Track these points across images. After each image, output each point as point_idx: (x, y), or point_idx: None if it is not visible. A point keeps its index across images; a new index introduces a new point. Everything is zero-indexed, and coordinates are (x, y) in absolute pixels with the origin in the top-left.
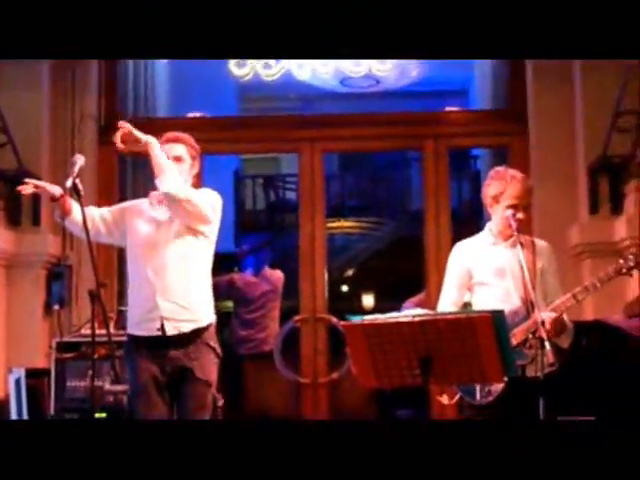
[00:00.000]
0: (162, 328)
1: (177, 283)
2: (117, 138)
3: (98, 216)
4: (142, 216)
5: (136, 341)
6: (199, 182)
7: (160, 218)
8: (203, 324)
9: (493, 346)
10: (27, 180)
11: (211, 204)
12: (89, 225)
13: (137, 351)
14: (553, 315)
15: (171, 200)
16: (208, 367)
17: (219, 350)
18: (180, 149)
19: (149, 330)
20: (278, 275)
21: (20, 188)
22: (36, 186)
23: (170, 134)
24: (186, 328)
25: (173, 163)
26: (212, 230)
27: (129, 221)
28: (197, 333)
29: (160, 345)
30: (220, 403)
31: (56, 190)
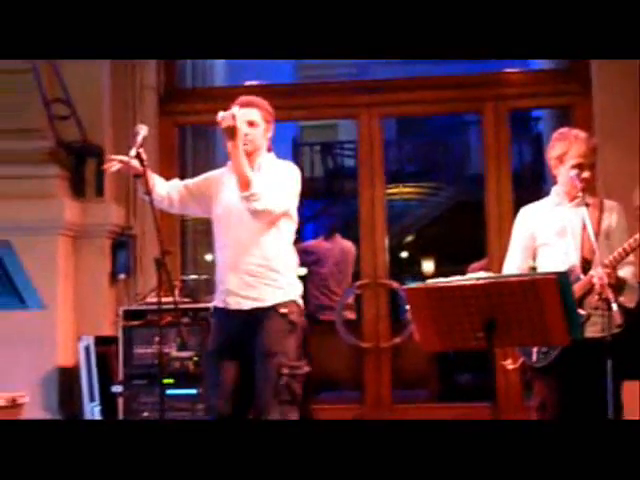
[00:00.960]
0: (225, 301)
1: (248, 258)
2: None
3: (184, 187)
4: (224, 186)
5: (217, 310)
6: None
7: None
8: (266, 304)
9: (557, 308)
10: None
11: (293, 191)
12: (175, 197)
13: (219, 317)
14: (605, 271)
15: (254, 214)
16: (273, 337)
17: (293, 317)
18: (254, 113)
19: (219, 302)
20: (350, 244)
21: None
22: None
23: (243, 98)
24: (247, 306)
25: (247, 128)
26: (293, 207)
27: (214, 191)
28: (263, 309)
29: (228, 316)
30: (301, 372)
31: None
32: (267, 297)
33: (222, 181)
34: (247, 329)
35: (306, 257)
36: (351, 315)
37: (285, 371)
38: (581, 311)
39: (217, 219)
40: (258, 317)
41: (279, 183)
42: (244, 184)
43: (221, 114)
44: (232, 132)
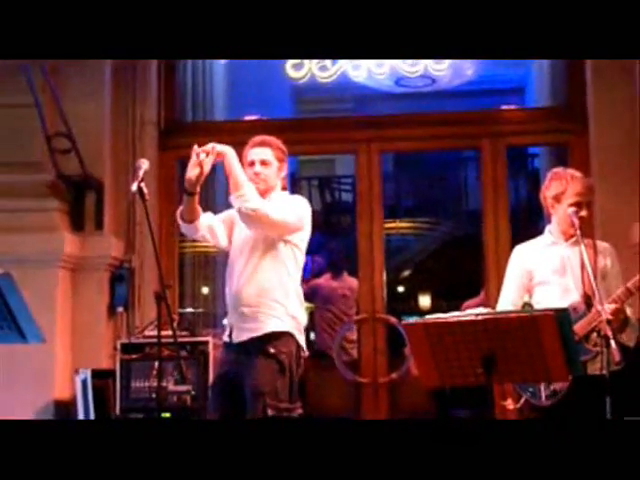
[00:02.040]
0: (230, 335)
1: (247, 290)
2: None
3: (219, 220)
4: (236, 225)
5: (223, 344)
6: (285, 184)
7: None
8: (259, 333)
9: (557, 344)
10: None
11: (296, 213)
12: (215, 226)
13: (220, 353)
14: (613, 306)
15: (245, 217)
16: (262, 375)
17: (283, 357)
18: (267, 152)
19: (225, 336)
20: (355, 282)
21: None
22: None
23: (257, 138)
24: (245, 337)
25: (260, 167)
26: (301, 237)
27: (233, 227)
28: (255, 341)
29: (229, 350)
30: (294, 413)
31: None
32: (262, 326)
33: (236, 220)
34: (241, 365)
35: (312, 295)
36: (353, 351)
37: (270, 412)
38: (589, 347)
39: (230, 256)
40: (251, 352)
41: (285, 202)
42: (235, 185)
43: (201, 157)
44: (225, 164)
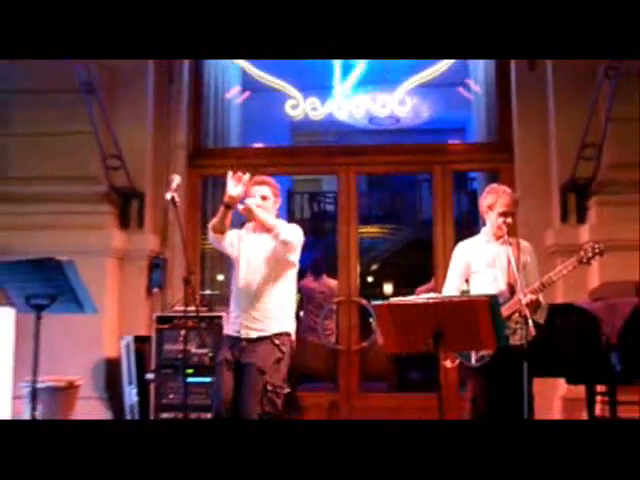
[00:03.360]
0: (239, 331)
1: (260, 302)
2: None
3: (235, 238)
4: (242, 242)
5: (226, 336)
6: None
7: (256, 244)
8: (271, 332)
9: (488, 322)
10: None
11: (299, 239)
12: (230, 237)
13: (226, 339)
14: (530, 297)
15: (283, 244)
16: (265, 359)
17: (284, 348)
18: (265, 189)
19: (231, 331)
20: (334, 284)
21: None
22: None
23: (257, 178)
24: (255, 334)
25: (261, 201)
26: (296, 257)
27: (238, 243)
28: (263, 338)
29: (236, 341)
30: (284, 391)
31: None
32: (268, 328)
33: (242, 237)
34: (248, 352)
35: (303, 291)
36: (330, 337)
37: (269, 387)
38: (510, 325)
39: (238, 266)
40: (258, 343)
41: (291, 229)
42: (270, 228)
43: (239, 207)
44: (249, 214)
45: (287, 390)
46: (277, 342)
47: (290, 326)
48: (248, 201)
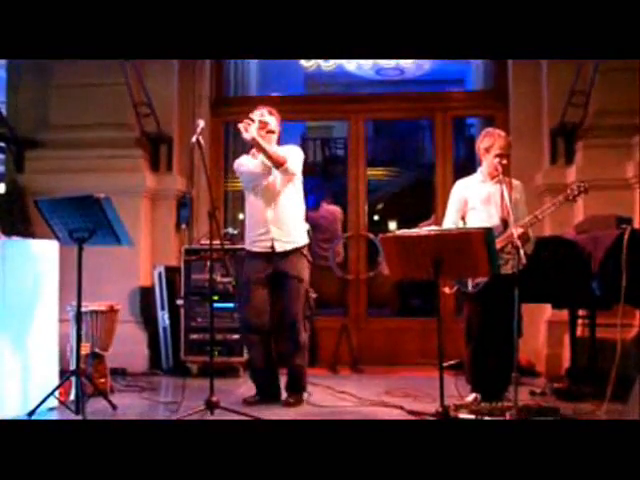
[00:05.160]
0: (272, 246)
1: (283, 215)
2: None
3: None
4: (249, 166)
5: (252, 254)
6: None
7: (264, 168)
8: (300, 244)
9: (484, 253)
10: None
11: (300, 161)
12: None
13: (252, 259)
14: (521, 230)
15: (285, 172)
16: (301, 269)
17: (310, 258)
18: (264, 112)
19: (263, 247)
20: (334, 209)
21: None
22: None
23: (268, 108)
24: (289, 246)
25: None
26: (300, 176)
27: (254, 167)
28: (295, 249)
29: (269, 256)
30: (313, 296)
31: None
32: (297, 240)
33: (247, 163)
34: (283, 264)
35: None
36: (339, 258)
37: (310, 293)
38: (503, 255)
39: (252, 189)
40: (288, 256)
41: (291, 151)
42: (280, 162)
43: (240, 126)
44: (253, 142)
45: (315, 295)
46: (305, 252)
47: (307, 238)
48: (254, 134)
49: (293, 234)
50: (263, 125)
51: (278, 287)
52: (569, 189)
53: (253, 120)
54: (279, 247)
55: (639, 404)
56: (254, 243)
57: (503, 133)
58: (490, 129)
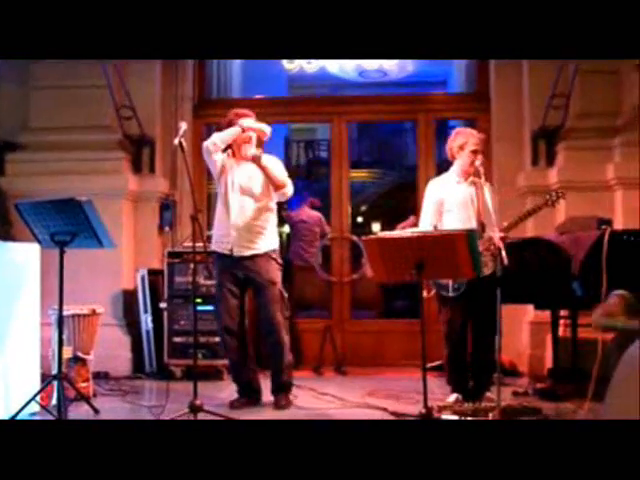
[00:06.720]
0: (231, 249)
1: (252, 221)
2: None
3: (221, 159)
4: (234, 168)
5: (218, 254)
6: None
7: (248, 173)
8: (262, 250)
9: (467, 254)
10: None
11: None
12: (220, 162)
13: (219, 259)
14: (501, 234)
15: (282, 196)
16: (271, 272)
17: (280, 260)
18: (251, 121)
19: (223, 249)
20: (316, 214)
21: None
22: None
23: (243, 111)
24: (248, 252)
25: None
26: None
27: (231, 169)
28: (263, 254)
29: (234, 258)
30: (286, 296)
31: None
32: (259, 247)
33: (231, 165)
34: (248, 269)
35: (289, 221)
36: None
37: (284, 294)
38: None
39: (225, 190)
40: (254, 259)
41: (276, 162)
42: (281, 186)
43: (251, 152)
44: (256, 161)
45: (287, 294)
46: (274, 256)
47: (277, 243)
48: (257, 153)
49: (255, 240)
50: (260, 139)
51: (253, 292)
52: (547, 194)
53: (247, 128)
54: (236, 251)
55: (615, 404)
56: (217, 243)
57: (474, 131)
58: (460, 128)
